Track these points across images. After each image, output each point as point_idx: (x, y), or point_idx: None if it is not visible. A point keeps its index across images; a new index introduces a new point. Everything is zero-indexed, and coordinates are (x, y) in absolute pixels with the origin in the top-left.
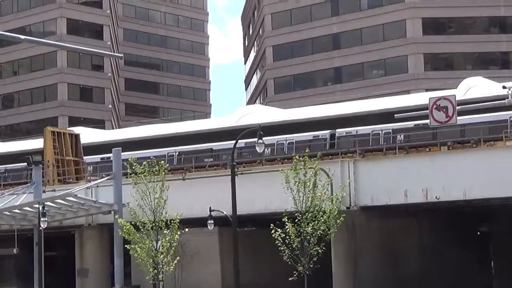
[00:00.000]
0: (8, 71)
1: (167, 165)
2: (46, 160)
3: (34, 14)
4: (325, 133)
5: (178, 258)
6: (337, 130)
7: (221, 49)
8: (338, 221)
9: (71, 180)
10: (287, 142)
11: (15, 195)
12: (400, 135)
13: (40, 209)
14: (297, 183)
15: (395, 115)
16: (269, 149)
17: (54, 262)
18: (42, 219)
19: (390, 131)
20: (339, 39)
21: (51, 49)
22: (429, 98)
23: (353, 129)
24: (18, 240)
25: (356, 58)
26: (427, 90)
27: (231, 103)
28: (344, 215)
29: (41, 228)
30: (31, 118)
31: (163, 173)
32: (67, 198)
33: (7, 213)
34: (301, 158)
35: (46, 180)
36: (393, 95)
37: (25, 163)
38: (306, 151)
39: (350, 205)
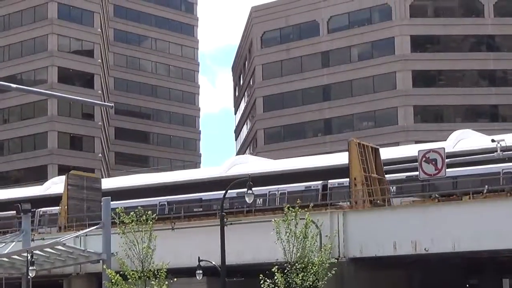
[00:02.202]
0: None
1: (155, 215)
2: (352, 177)
3: (25, 62)
4: (317, 183)
5: None
6: (329, 181)
7: (210, 98)
8: (329, 273)
9: (378, 202)
10: (279, 193)
11: (4, 243)
12: (392, 187)
13: (29, 257)
14: (287, 233)
15: (384, 166)
16: (261, 199)
17: None
18: (30, 267)
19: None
20: (330, 90)
21: (41, 97)
22: (418, 151)
23: (345, 180)
24: None
25: (346, 109)
26: (416, 142)
27: (220, 152)
28: (336, 268)
29: (29, 277)
30: (21, 166)
31: (151, 222)
32: (55, 247)
33: None
34: (292, 209)
35: (354, 201)
36: (383, 146)
37: (14, 211)
38: (297, 201)
39: (339, 256)
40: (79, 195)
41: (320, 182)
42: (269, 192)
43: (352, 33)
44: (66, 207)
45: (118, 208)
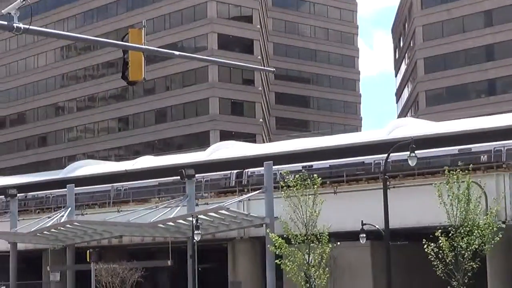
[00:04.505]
0: (161, 86)
1: (319, 178)
2: None
3: (186, 30)
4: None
5: (329, 271)
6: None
7: (368, 61)
8: (496, 237)
9: None
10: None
11: (169, 208)
12: None
13: (194, 222)
14: (450, 197)
15: None
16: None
17: (207, 275)
18: (195, 231)
19: None
20: (493, 50)
21: (202, 64)
22: None
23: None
24: (172, 252)
25: (511, 69)
26: None
27: (380, 115)
28: (502, 232)
29: (194, 240)
30: (183, 132)
31: (316, 186)
32: (219, 211)
33: (161, 225)
34: (454, 172)
35: None
36: None
37: (178, 177)
38: (459, 164)
39: (506, 219)
40: None
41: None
42: (494, 148)
43: None
44: None
45: (283, 171)
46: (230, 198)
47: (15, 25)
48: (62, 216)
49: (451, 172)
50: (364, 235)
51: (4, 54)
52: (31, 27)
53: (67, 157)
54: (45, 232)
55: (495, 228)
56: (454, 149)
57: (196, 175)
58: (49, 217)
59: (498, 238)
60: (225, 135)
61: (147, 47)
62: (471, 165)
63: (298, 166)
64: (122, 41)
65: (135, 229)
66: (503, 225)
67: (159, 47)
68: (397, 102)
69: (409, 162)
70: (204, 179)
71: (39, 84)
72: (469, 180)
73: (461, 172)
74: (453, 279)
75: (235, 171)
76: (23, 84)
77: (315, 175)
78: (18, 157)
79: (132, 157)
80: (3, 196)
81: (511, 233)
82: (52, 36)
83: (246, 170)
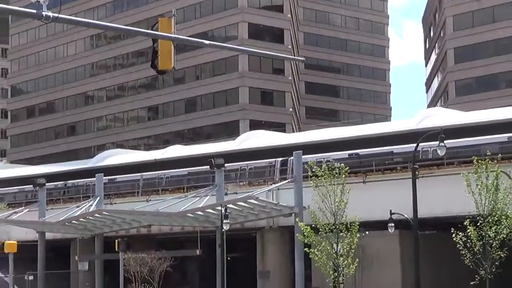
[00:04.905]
0: (191, 75)
1: (347, 167)
2: None
3: (216, 19)
4: None
5: (358, 260)
6: None
7: (398, 50)
8: None
9: None
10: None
11: (198, 197)
12: None
13: (223, 211)
14: (478, 186)
15: None
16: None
17: (235, 264)
18: (224, 221)
19: None
20: None
21: (232, 53)
22: None
23: None
24: (200, 241)
25: None
26: None
27: (410, 105)
28: None
29: (223, 230)
30: (213, 122)
31: (344, 176)
32: (248, 200)
33: (190, 215)
34: (482, 161)
35: None
36: None
37: (208, 166)
38: (488, 153)
39: None
40: None
41: None
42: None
43: None
44: None
45: (310, 161)
46: (260, 188)
47: (44, 13)
48: (91, 205)
49: (479, 161)
50: (393, 225)
51: (34, 43)
52: (60, 15)
53: (96, 146)
54: (73, 221)
55: None
56: (503, 136)
57: (239, 163)
58: (77, 207)
59: None
60: (255, 125)
61: (177, 36)
62: (499, 154)
63: (344, 154)
64: (152, 30)
65: (164, 218)
66: None
67: (189, 36)
68: (426, 92)
69: (438, 151)
70: (248, 167)
71: (68, 73)
72: (497, 169)
73: (490, 161)
74: (481, 268)
75: (280, 159)
76: (52, 73)
77: (342, 164)
78: (47, 146)
79: (161, 147)
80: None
81: None
82: (81, 25)
83: (291, 158)
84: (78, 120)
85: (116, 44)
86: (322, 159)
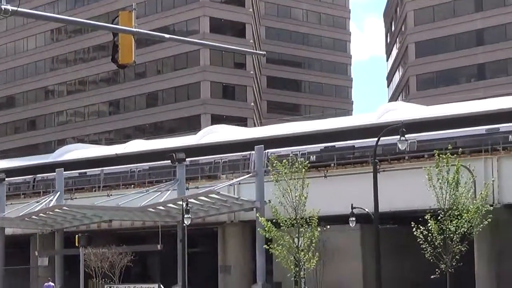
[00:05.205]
0: (152, 69)
1: (307, 162)
2: None
3: (177, 13)
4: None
5: (319, 255)
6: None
7: (359, 45)
8: (485, 221)
9: None
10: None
11: (159, 192)
12: None
13: (184, 206)
14: (439, 180)
15: None
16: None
17: (197, 259)
18: (185, 215)
19: None
20: (483, 35)
21: (194, 48)
22: None
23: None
24: (162, 236)
25: (500, 54)
26: None
27: (371, 99)
28: (491, 215)
29: (184, 224)
30: (174, 116)
31: (304, 170)
32: (210, 195)
33: (151, 210)
34: (443, 156)
35: None
36: None
37: (169, 161)
38: (449, 147)
39: (494, 202)
40: None
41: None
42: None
43: None
44: None
45: (271, 156)
46: (220, 182)
47: (3, 7)
48: (51, 200)
49: (440, 156)
50: (354, 219)
51: None
52: (19, 9)
53: (56, 141)
54: (33, 216)
55: (483, 212)
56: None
57: (214, 156)
58: (37, 202)
59: (487, 222)
60: (217, 119)
61: (137, 30)
62: (460, 149)
63: (320, 146)
64: (112, 23)
65: (125, 213)
66: (490, 208)
67: (150, 31)
68: (388, 86)
69: (399, 145)
70: (222, 160)
71: (28, 67)
72: (458, 164)
73: (450, 155)
74: (441, 262)
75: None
76: (12, 67)
77: (302, 159)
78: (7, 141)
79: (123, 141)
80: None
81: (499, 216)
82: (41, 19)
83: (267, 150)
84: (38, 114)
85: (77, 38)
86: (298, 152)
